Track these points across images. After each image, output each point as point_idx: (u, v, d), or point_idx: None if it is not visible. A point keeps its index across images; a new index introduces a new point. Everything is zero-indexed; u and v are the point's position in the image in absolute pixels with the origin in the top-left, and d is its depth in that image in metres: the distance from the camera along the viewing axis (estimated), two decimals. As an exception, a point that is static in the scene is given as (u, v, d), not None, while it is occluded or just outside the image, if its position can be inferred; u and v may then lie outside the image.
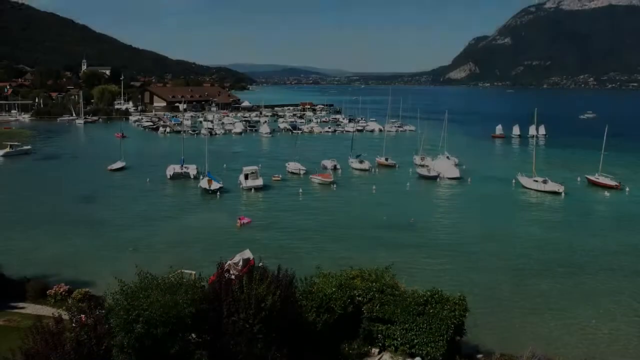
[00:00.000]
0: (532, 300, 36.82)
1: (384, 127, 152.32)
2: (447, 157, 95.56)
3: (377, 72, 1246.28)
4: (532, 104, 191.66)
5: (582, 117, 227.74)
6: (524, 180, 78.03)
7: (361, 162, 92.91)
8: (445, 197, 72.91)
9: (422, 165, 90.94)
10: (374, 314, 25.24)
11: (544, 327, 32.69)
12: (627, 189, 75.26)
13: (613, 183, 76.96)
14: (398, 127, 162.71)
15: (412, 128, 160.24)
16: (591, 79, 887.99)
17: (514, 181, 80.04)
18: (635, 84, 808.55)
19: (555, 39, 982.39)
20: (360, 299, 25.63)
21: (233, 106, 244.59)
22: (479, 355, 26.14)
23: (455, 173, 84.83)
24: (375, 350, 25.68)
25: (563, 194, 72.34)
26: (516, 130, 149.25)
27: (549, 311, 35.04)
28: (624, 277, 41.49)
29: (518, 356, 24.57)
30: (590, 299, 37.32)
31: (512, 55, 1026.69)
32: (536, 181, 76.06)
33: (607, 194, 73.60)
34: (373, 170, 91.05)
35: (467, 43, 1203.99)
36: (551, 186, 74.25)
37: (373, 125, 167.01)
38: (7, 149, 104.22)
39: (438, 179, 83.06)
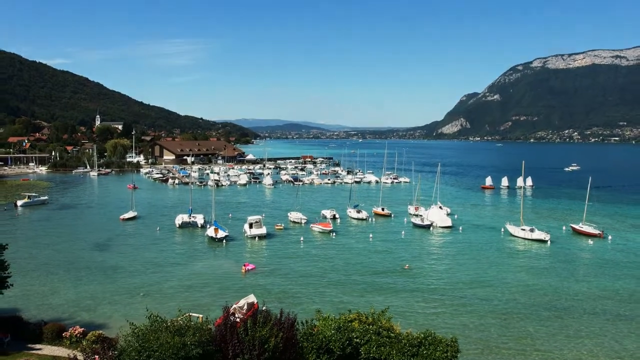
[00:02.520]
0: (520, 342, 37.09)
1: (380, 179, 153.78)
2: (440, 207, 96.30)
3: (374, 126, 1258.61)
4: (519, 157, 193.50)
5: (567, 169, 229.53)
6: (512, 229, 78.72)
7: (359, 211, 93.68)
8: (438, 244, 73.39)
9: (416, 215, 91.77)
10: (371, 355, 25.57)
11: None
12: (610, 238, 75.86)
13: (596, 232, 77.61)
14: (393, 178, 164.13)
15: (407, 180, 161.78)
16: (575, 133, 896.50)
17: (502, 230, 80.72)
18: (617, 138, 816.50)
19: (542, 96, 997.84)
20: (358, 340, 25.98)
21: (238, 159, 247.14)
22: (469, 394, 26.37)
23: (448, 222, 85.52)
24: (374, 390, 25.93)
25: (549, 242, 72.93)
26: (505, 181, 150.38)
27: (535, 352, 35.33)
28: (607, 321, 41.80)
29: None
30: (574, 340, 37.60)
31: (500, 111, 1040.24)
32: (524, 230, 76.74)
33: (590, 242, 74.14)
34: (370, 219, 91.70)
35: (459, 99, 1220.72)
36: (538, 234, 74.88)
37: (370, 177, 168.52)
38: (26, 200, 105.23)
39: (431, 228, 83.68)
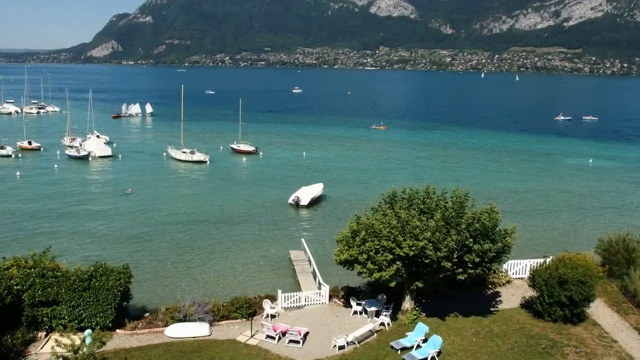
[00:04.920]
0: (186, 257, 39.63)
1: (22, 109, 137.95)
2: (98, 136, 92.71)
3: (8, 48, 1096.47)
4: (175, 82, 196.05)
5: (207, 92, 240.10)
6: (174, 153, 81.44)
7: (1, 147, 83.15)
8: (98, 175, 71.03)
9: (72, 146, 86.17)
10: (37, 299, 24.64)
11: (199, 279, 35.75)
12: (261, 154, 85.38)
13: (251, 149, 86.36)
14: (39, 108, 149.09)
15: (56, 109, 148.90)
16: (227, 57, 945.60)
17: (164, 154, 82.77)
18: (263, 63, 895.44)
19: (194, 20, 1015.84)
20: (19, 287, 24.49)
21: None
22: (147, 314, 27.46)
23: (107, 151, 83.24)
24: (42, 334, 24.89)
25: (209, 162, 78.16)
26: (148, 108, 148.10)
27: (201, 266, 38.18)
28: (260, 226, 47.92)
29: (181, 306, 26.81)
30: (230, 250, 41.82)
31: (154, 34, 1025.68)
32: (184, 152, 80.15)
33: (244, 159, 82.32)
34: (16, 155, 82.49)
35: (108, 20, 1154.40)
36: (198, 156, 79.24)
37: (10, 107, 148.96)
38: None
39: (90, 158, 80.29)
